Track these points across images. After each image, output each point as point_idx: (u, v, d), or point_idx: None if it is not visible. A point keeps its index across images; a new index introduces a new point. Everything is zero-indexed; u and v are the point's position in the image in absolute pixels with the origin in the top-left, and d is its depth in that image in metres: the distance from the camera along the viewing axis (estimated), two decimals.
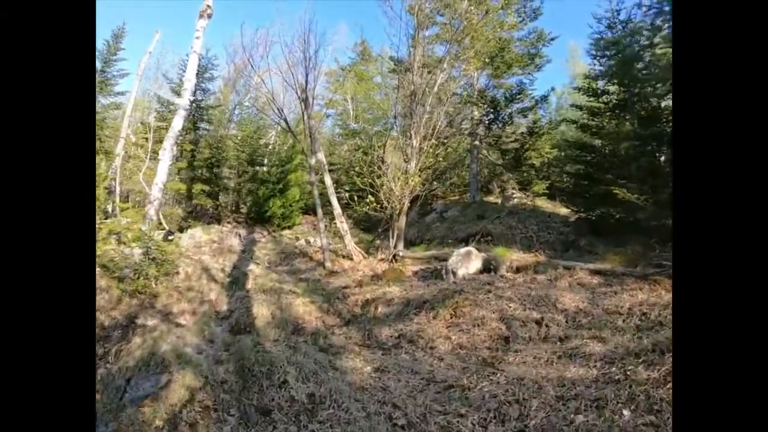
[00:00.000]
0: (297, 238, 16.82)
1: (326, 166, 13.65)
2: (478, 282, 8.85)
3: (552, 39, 19.80)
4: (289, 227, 19.04)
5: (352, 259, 13.56)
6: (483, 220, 15.96)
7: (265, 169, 20.48)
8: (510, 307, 7.16)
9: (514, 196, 20.84)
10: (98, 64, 24.14)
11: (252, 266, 12.61)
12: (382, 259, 13.29)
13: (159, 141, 18.29)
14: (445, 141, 13.76)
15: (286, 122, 12.81)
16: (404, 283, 10.23)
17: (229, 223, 18.82)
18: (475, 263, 10.04)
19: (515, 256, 9.95)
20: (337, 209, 13.82)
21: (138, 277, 9.13)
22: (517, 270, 9.55)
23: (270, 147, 21.96)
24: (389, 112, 27.51)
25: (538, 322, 6.52)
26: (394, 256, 12.81)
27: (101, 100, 24.41)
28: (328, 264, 12.52)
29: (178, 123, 12.61)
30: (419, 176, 12.42)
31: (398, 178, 12.66)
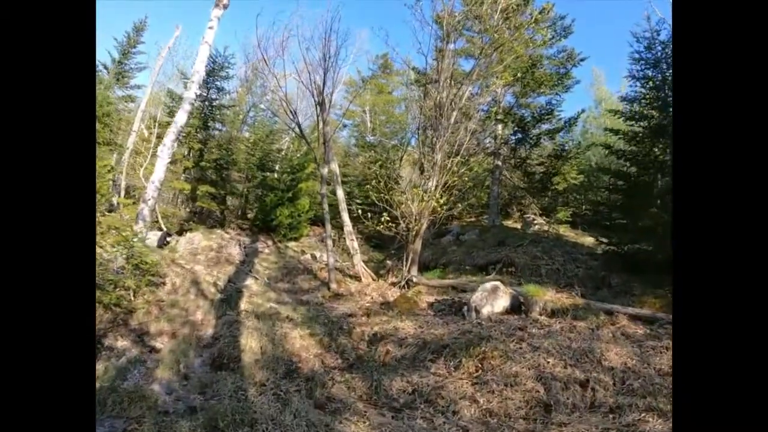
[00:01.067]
0: (303, 252, 15.40)
1: (339, 178, 12.32)
2: (507, 326, 7.40)
3: (582, 60, 18.50)
4: (296, 239, 17.63)
5: (360, 280, 12.17)
6: (504, 246, 14.51)
7: (275, 175, 19.14)
8: (548, 362, 5.80)
9: (535, 222, 19.41)
10: (116, 55, 24.25)
11: (249, 281, 11.22)
12: (393, 284, 11.88)
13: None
14: (469, 159, 12.35)
15: (299, 127, 11.43)
16: (419, 317, 8.79)
17: (232, 228, 17.44)
18: (502, 301, 8.59)
19: (548, 296, 8.45)
20: (347, 225, 12.43)
21: (114, 288, 7.78)
22: (552, 313, 8.07)
23: (282, 153, 20.62)
24: (409, 126, 26.82)
25: (583, 385, 5.20)
26: (407, 281, 11.38)
27: (117, 92, 23.77)
28: (333, 285, 11.11)
29: (181, 118, 11.32)
30: (441, 196, 10.97)
31: (416, 196, 11.24)
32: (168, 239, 14.05)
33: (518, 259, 12.84)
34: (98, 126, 19.11)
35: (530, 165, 18.74)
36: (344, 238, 17.82)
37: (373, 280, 12.42)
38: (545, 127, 18.30)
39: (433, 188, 11.48)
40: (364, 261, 12.93)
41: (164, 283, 9.51)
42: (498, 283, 8.98)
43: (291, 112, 11.26)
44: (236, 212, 19.19)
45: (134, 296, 8.07)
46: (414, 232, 11.32)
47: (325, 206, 11.38)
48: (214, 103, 17.86)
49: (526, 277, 11.83)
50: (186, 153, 17.42)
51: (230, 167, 18.29)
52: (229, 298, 9.59)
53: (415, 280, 11.42)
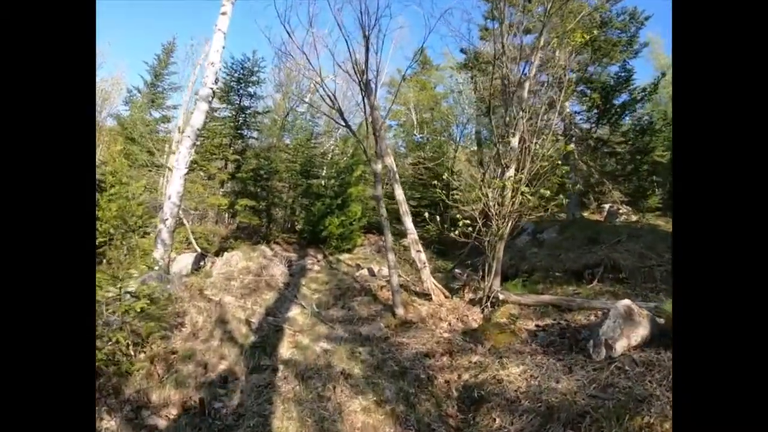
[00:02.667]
0: (358, 266, 12.85)
1: (396, 174, 9.64)
2: (665, 370, 4.59)
3: (647, 18, 15.22)
4: (349, 250, 15.20)
5: (430, 299, 9.53)
6: (597, 245, 11.56)
7: (320, 181, 16.75)
8: None
9: (621, 211, 16.30)
10: (148, 78, 24.28)
11: (294, 311, 8.78)
12: (471, 301, 9.21)
13: (197, 151, 15.10)
14: (557, 138, 9.47)
15: (341, 113, 8.80)
16: (523, 356, 6.12)
17: (278, 243, 15.16)
18: (641, 328, 5.74)
19: None
20: (411, 232, 9.81)
21: (107, 342, 5.52)
22: None
23: (329, 156, 18.20)
24: (457, 118, 24.32)
25: None
26: (490, 298, 8.68)
27: (153, 113, 23.01)
28: (399, 310, 8.52)
29: (198, 119, 9.04)
30: (528, 186, 8.17)
31: (499, 189, 8.53)
32: (202, 262, 11.92)
33: (623, 261, 9.90)
34: (135, 148, 17.51)
35: (611, 144, 15.63)
36: (404, 247, 15.35)
37: (446, 297, 9.79)
38: (621, 99, 15.19)
39: (511, 178, 8.78)
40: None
41: (182, 325, 7.18)
42: (628, 302, 6.13)
43: (330, 96, 8.68)
44: (282, 225, 16.86)
45: (132, 350, 5.74)
46: (497, 236, 8.60)
47: (383, 211, 8.79)
48: (247, 111, 15.64)
49: (639, 285, 8.96)
50: (222, 166, 15.29)
51: (271, 177, 16.02)
52: (264, 340, 7.17)
53: (501, 296, 8.70)
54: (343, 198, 15.25)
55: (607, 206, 17.37)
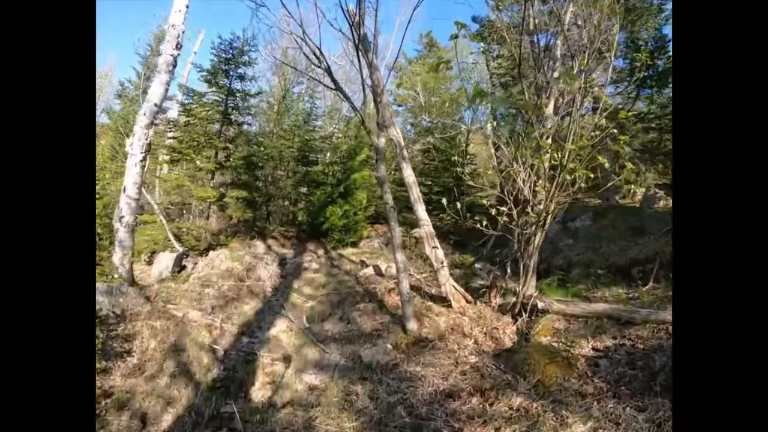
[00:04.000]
0: (363, 263, 10.88)
1: (404, 150, 7.61)
2: None
3: None
4: (354, 243, 13.28)
5: (449, 304, 7.64)
6: (642, 235, 9.56)
7: (321, 168, 14.76)
8: None
9: (658, 196, 14.23)
10: (140, 69, 22.54)
11: (278, 326, 6.96)
12: (501, 308, 7.30)
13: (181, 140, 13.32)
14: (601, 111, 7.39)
15: (329, 73, 6.71)
16: (586, 400, 4.27)
17: (274, 238, 13.27)
18: None
19: None
20: (425, 223, 7.78)
21: None
22: None
23: (331, 141, 16.14)
24: (467, 97, 22.12)
25: None
26: (526, 306, 6.78)
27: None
28: (411, 324, 6.65)
29: (156, 92, 7.19)
30: (576, 162, 6.14)
31: (540, 164, 6.56)
32: (183, 261, 10.15)
33: None
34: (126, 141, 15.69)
35: (647, 120, 13.54)
36: (416, 239, 13.37)
37: (468, 302, 7.88)
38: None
39: (550, 154, 6.86)
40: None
41: (129, 353, 5.39)
42: None
43: (315, 52, 6.57)
44: (280, 217, 14.90)
45: None
46: (537, 224, 6.63)
47: (387, 196, 6.81)
48: (238, 94, 13.62)
49: None
50: (212, 155, 13.38)
51: (266, 165, 14.10)
52: (231, 374, 5.35)
53: (540, 304, 6.78)
54: (346, 185, 13.29)
55: (640, 190, 15.26)
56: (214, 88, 13.48)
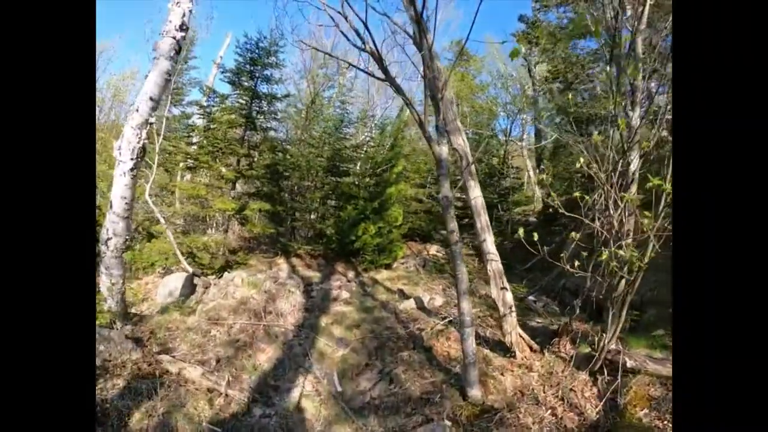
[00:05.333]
0: (401, 293, 9.14)
1: (472, 166, 5.87)
2: None
3: None
4: (388, 265, 11.54)
5: (511, 354, 5.98)
6: None
7: (352, 179, 13.08)
8: None
9: None
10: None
11: (301, 390, 5.25)
12: (574, 360, 5.61)
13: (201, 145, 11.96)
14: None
15: (377, 58, 4.92)
16: None
17: (299, 256, 11.62)
18: None
19: None
20: (494, 259, 5.95)
21: None
22: None
23: (362, 150, 14.47)
24: (506, 107, 20.49)
25: None
26: (607, 363, 5.09)
27: (173, 110, 20.31)
28: (474, 391, 4.95)
29: (153, 84, 5.60)
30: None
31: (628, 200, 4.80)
32: (196, 285, 8.62)
33: None
34: (114, 144, 14.31)
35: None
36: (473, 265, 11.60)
37: (533, 351, 6.18)
38: None
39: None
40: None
41: None
42: None
43: (357, 32, 4.88)
44: (306, 234, 13.23)
45: None
46: (635, 264, 4.79)
47: (453, 225, 4.89)
48: (263, 97, 12.03)
49: None
50: (234, 162, 11.84)
51: (290, 175, 12.49)
52: None
53: (629, 362, 5.06)
54: (381, 200, 11.59)
55: None
56: (238, 91, 11.99)
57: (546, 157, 17.48)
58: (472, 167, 5.78)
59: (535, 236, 4.59)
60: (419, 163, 15.81)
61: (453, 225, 4.96)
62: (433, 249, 13.69)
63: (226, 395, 4.77)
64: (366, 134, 15.43)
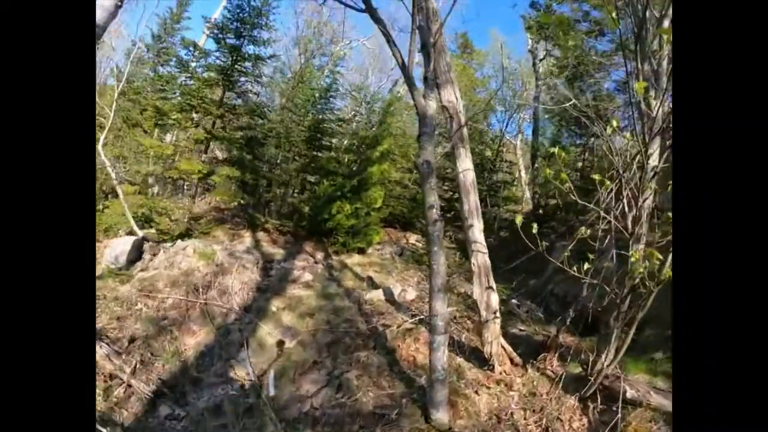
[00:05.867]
0: (370, 281, 8.16)
1: (464, 128, 4.87)
2: None
3: None
4: (361, 250, 10.52)
5: (489, 367, 5.11)
6: None
7: (333, 154, 11.97)
8: None
9: None
10: (156, 30, 19.72)
11: (225, 390, 4.21)
12: (561, 380, 4.76)
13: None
14: None
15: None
16: None
17: (266, 231, 10.54)
18: None
19: None
20: (481, 251, 4.90)
21: None
22: None
23: (349, 126, 13.36)
24: (505, 102, 19.41)
25: None
26: (601, 389, 4.21)
27: (161, 70, 18.91)
28: (439, 414, 3.97)
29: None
30: None
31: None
32: (143, 252, 7.59)
33: None
34: (128, 105, 13.05)
35: None
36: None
37: (514, 365, 5.29)
38: None
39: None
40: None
41: None
42: None
43: None
44: (278, 207, 12.10)
45: None
46: (651, 277, 3.83)
47: (433, 199, 3.94)
48: (245, 55, 10.86)
49: None
50: (208, 123, 10.70)
51: (267, 142, 11.39)
52: None
53: (630, 392, 4.18)
54: (360, 178, 10.52)
55: None
56: (222, 48, 10.84)
57: (542, 155, 16.58)
58: (464, 131, 4.76)
59: (534, 228, 3.70)
60: (408, 147, 14.80)
61: (433, 198, 3.94)
62: (413, 238, 12.74)
63: (129, 385, 3.76)
64: (354, 109, 14.34)
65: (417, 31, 4.05)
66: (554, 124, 16.23)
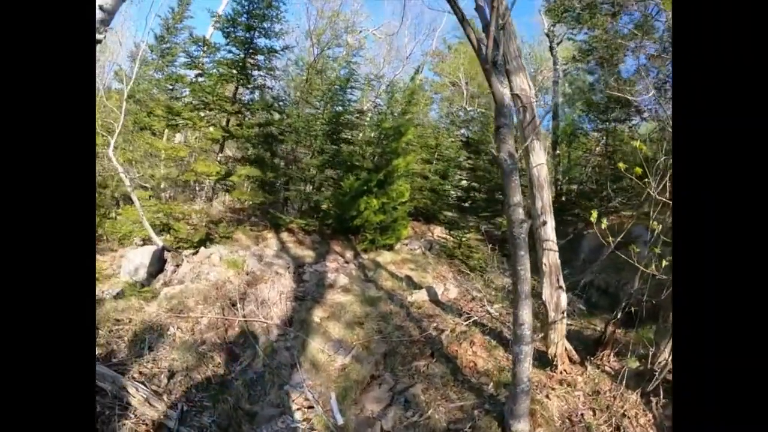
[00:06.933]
0: (409, 280, 7.62)
1: (537, 118, 4.37)
2: None
3: None
4: (390, 246, 10.02)
5: (551, 366, 4.76)
6: None
7: (355, 148, 11.46)
8: None
9: None
10: (159, 31, 19.06)
11: (281, 424, 3.69)
12: (621, 376, 4.37)
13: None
14: None
15: None
16: None
17: (291, 231, 10.04)
18: None
19: None
20: (552, 249, 4.51)
21: None
22: None
23: (367, 117, 12.77)
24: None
25: None
26: (669, 383, 3.68)
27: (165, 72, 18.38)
28: (520, 425, 3.44)
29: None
30: None
31: None
32: (166, 261, 7.09)
33: None
34: (133, 108, 12.51)
35: None
36: (469, 248, 10.08)
37: (572, 362, 4.91)
38: None
39: None
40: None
41: None
42: None
43: None
44: (300, 206, 11.59)
45: None
46: None
47: (517, 198, 3.38)
48: (259, 49, 10.29)
49: None
50: (222, 121, 10.15)
51: (286, 139, 10.83)
52: None
53: None
54: (386, 171, 9.99)
55: None
56: (232, 42, 10.26)
57: (562, 141, 15.94)
58: (537, 122, 4.22)
59: (594, 214, 3.34)
60: (427, 137, 14.22)
61: (518, 197, 3.39)
62: (438, 230, 12.22)
63: None
64: (373, 99, 13.76)
65: (488, 12, 3.50)
66: (576, 109, 15.57)
